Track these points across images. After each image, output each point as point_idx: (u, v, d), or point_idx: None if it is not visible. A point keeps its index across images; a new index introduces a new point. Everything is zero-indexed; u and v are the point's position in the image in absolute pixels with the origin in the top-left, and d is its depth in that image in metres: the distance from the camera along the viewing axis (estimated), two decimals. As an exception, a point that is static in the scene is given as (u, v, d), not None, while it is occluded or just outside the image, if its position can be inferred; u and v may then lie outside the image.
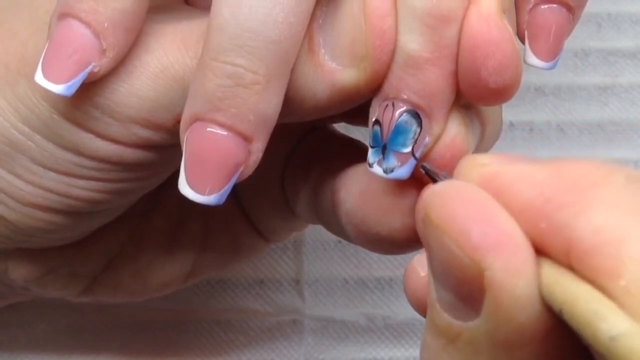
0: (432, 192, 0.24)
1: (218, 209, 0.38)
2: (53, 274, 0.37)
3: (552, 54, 0.32)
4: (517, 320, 0.22)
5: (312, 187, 0.35)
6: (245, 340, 0.45)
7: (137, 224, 0.38)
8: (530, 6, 0.32)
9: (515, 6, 0.33)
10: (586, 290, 0.21)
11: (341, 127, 0.38)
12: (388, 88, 0.30)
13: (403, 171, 0.30)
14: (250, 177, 0.31)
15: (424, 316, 0.27)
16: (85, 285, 0.38)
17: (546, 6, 0.32)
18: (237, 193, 0.39)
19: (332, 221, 0.34)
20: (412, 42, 0.29)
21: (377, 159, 0.30)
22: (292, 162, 0.37)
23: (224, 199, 0.29)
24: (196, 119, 0.29)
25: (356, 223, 0.32)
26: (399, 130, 0.30)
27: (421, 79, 0.29)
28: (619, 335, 0.21)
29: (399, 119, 0.29)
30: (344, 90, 0.30)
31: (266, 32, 0.28)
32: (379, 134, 0.30)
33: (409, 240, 0.31)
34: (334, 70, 0.30)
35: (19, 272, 0.37)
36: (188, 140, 0.29)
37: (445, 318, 0.24)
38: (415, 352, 0.45)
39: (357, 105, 0.31)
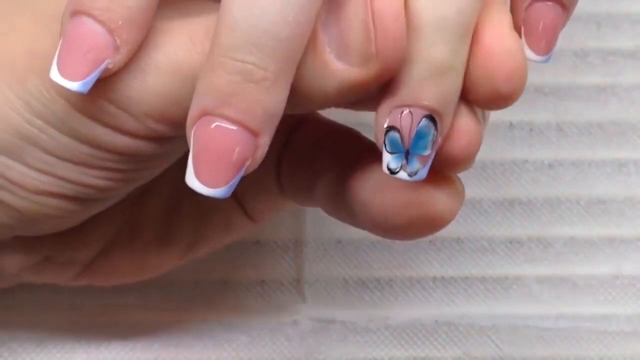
0: None
1: None
2: (48, 261, 0.38)
3: (548, 48, 0.34)
4: None
5: (316, 175, 0.36)
6: (245, 340, 0.45)
7: (131, 208, 0.39)
8: (527, 3, 0.34)
9: (512, 3, 0.34)
10: None
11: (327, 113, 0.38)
12: (405, 95, 0.30)
13: (424, 172, 0.31)
14: None
15: None
16: (80, 270, 0.39)
17: (542, 3, 0.34)
18: None
19: (339, 207, 0.35)
20: (438, 51, 0.30)
21: (399, 165, 0.31)
22: (291, 148, 0.38)
23: (231, 192, 0.30)
24: (205, 113, 0.29)
25: (372, 214, 0.33)
26: (420, 135, 0.31)
27: (442, 86, 0.30)
28: None
29: (420, 125, 0.30)
30: (352, 86, 0.30)
31: (277, 31, 0.29)
32: (399, 140, 0.31)
33: (424, 229, 0.33)
34: (341, 69, 0.30)
35: (14, 260, 0.37)
36: (196, 135, 0.30)
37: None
38: (416, 352, 0.45)
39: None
